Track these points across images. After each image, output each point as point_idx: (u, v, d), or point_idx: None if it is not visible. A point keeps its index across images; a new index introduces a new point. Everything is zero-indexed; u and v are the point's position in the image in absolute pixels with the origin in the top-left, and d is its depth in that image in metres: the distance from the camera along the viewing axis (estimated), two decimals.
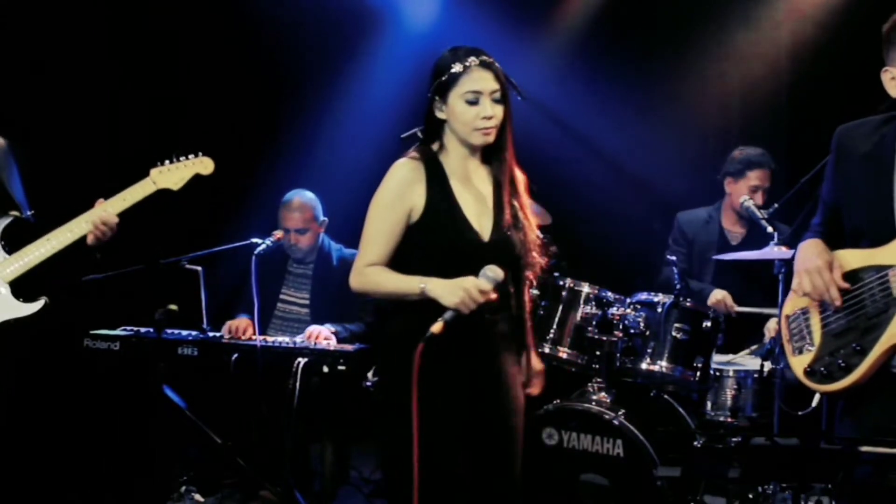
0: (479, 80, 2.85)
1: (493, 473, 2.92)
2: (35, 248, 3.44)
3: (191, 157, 3.69)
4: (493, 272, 2.75)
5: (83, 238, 3.48)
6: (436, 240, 2.88)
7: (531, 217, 3.04)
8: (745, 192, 4.75)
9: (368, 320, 4.72)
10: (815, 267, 2.79)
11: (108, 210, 3.48)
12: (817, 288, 2.77)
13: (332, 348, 4.33)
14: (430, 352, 2.67)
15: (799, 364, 2.85)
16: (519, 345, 3.05)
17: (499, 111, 2.88)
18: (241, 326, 4.56)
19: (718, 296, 4.62)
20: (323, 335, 4.44)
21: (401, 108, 5.24)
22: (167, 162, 3.65)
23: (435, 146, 2.96)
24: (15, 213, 3.49)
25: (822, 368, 2.78)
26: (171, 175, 3.62)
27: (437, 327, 2.67)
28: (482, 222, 2.93)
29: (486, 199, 2.96)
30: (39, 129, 5.00)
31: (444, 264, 2.83)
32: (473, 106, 2.85)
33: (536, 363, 3.16)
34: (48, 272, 3.46)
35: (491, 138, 2.89)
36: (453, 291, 2.72)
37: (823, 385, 2.79)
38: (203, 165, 3.70)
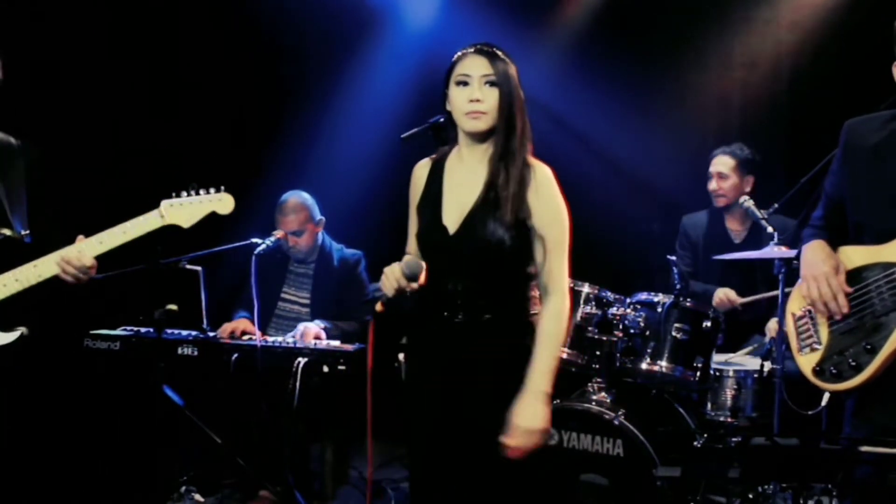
0: (470, 65, 2.83)
1: (457, 477, 2.83)
2: (15, 275, 3.09)
3: (211, 191, 3.31)
4: (408, 262, 2.81)
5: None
6: (418, 232, 2.98)
7: (529, 211, 2.82)
8: (712, 183, 4.85)
9: (366, 318, 4.72)
10: (822, 273, 2.77)
11: (82, 250, 3.13)
12: (824, 295, 2.76)
13: (332, 348, 4.33)
14: (409, 344, 2.99)
15: (807, 363, 2.84)
16: (511, 351, 2.82)
17: (490, 96, 2.80)
18: (240, 328, 4.55)
19: (721, 294, 4.63)
20: (313, 333, 4.45)
21: (401, 108, 5.25)
22: (183, 194, 3.28)
23: (453, 143, 2.98)
24: (6, 231, 3.15)
25: (832, 367, 2.77)
26: (183, 210, 3.25)
27: (377, 305, 2.86)
28: (458, 215, 2.86)
29: (475, 192, 2.86)
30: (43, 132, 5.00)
31: (423, 256, 2.94)
32: (464, 88, 2.82)
33: (521, 410, 2.74)
34: (29, 301, 3.14)
35: (481, 124, 2.81)
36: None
37: (834, 384, 2.78)
38: (222, 204, 3.33)
